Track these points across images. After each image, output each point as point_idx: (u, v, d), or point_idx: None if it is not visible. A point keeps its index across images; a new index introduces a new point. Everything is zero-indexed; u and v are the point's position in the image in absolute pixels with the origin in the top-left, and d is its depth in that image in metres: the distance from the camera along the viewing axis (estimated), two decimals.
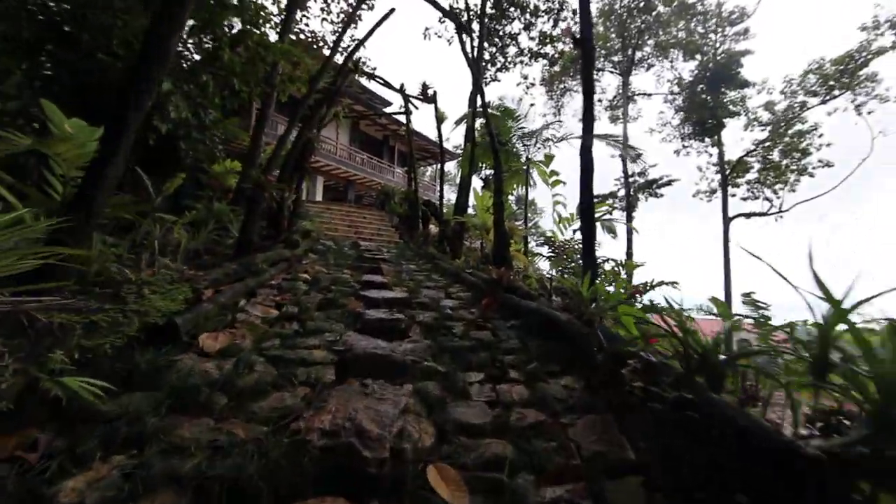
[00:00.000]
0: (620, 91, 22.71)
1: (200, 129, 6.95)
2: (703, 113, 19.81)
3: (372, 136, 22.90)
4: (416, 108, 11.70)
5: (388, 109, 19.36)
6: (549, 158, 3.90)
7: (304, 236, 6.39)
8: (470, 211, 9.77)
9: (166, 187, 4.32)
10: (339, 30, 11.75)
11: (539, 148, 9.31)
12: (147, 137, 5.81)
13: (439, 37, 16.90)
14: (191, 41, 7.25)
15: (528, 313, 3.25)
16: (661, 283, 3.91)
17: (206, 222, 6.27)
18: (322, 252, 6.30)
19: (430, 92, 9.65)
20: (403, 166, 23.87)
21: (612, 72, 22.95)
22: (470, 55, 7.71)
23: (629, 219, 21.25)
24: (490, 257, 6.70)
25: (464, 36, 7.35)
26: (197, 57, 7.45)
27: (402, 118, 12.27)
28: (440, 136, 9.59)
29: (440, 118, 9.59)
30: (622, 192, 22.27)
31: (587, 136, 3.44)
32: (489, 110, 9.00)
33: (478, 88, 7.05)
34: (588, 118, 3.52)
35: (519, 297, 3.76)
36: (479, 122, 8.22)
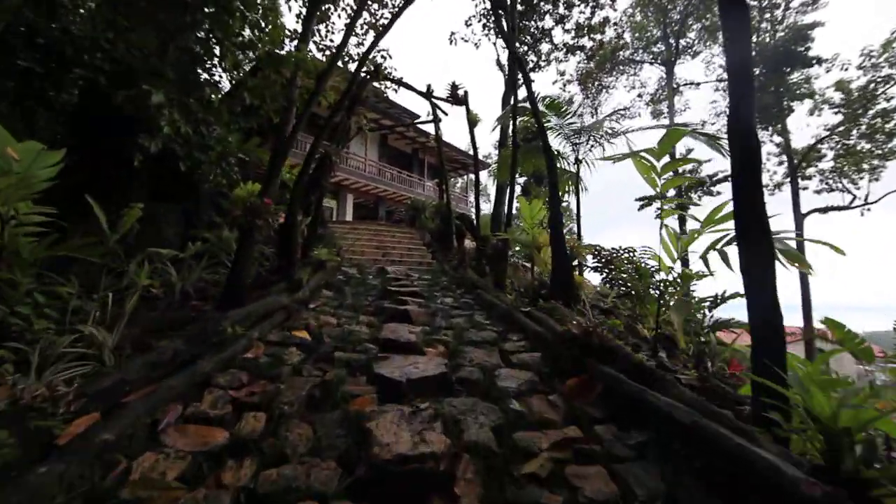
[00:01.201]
0: (664, 83, 20.44)
1: (203, 149, 5.98)
2: (764, 98, 17.20)
3: (401, 150, 22.06)
4: (446, 113, 10.46)
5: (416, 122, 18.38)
6: (675, 135, 2.41)
7: (318, 268, 5.19)
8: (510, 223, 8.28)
9: (124, 221, 3.22)
10: (361, 39, 10.81)
11: (592, 146, 7.72)
12: (131, 158, 4.87)
13: (466, 41, 15.76)
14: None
15: (666, 422, 1.74)
16: (735, 296, 3.06)
17: (212, 255, 5.26)
18: (339, 286, 5.06)
19: (460, 93, 8.37)
20: (434, 178, 22.82)
21: (651, 63, 20.77)
22: (507, 31, 6.33)
23: (683, 221, 18.83)
24: (544, 284, 5.19)
25: (500, 13, 6.03)
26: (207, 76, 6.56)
27: (431, 127, 11.11)
28: (473, 140, 8.25)
29: (473, 120, 8.26)
30: (671, 193, 19.88)
31: (745, 108, 1.90)
32: (525, 104, 7.55)
33: (516, 63, 5.63)
34: (742, 75, 1.99)
35: (625, 371, 2.25)
36: (520, 119, 6.78)
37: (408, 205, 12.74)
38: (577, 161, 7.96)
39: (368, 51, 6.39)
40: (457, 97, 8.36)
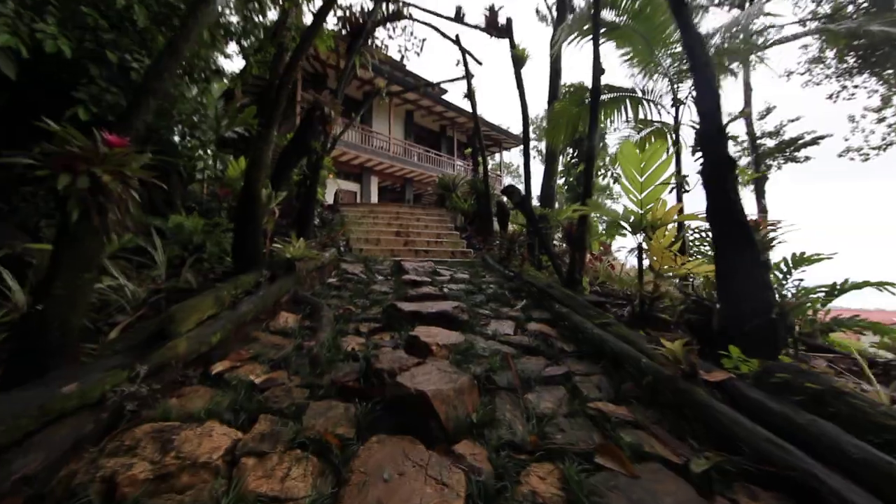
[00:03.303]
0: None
1: (132, 90, 3.79)
2: (874, 35, 13.08)
3: (428, 127, 19.61)
4: (480, 63, 7.87)
5: (446, 95, 15.82)
6: None
7: (285, 271, 3.01)
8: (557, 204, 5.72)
9: None
10: None
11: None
12: None
13: None
14: None
15: None
16: (863, 285, 1.99)
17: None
18: (316, 305, 2.82)
19: (501, 20, 5.79)
20: (465, 156, 20.26)
21: (718, 5, 16.72)
22: None
23: (760, 194, 15.26)
24: (695, 299, 2.70)
25: None
26: None
27: (460, 96, 8.47)
28: (520, 84, 5.67)
29: (519, 57, 5.68)
30: (745, 161, 16.19)
31: None
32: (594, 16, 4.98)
33: None
34: None
35: None
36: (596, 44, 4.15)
37: (435, 183, 10.40)
38: (677, 103, 5.25)
39: None
40: (497, 25, 5.80)
